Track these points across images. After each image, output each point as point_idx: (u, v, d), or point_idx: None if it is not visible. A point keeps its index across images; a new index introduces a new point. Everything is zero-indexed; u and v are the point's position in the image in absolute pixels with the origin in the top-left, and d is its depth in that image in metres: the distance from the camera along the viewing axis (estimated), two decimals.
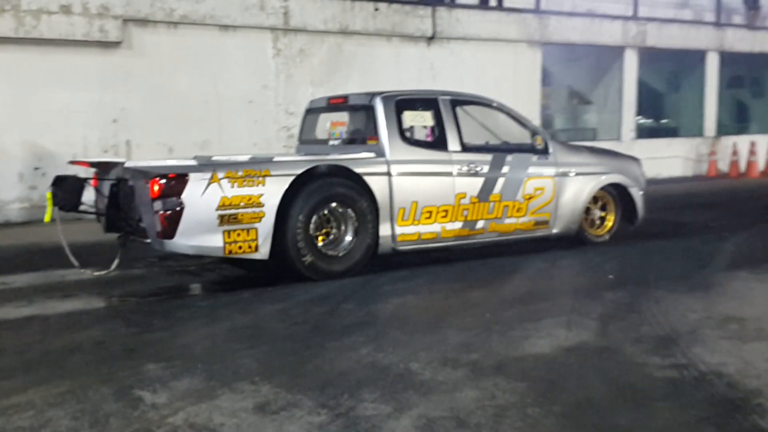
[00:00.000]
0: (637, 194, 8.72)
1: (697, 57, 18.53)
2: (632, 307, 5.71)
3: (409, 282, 6.69)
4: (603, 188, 8.49)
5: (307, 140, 8.43)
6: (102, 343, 4.93)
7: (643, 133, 18.10)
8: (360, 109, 7.72)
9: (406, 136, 7.32)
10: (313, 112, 8.39)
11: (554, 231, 8.19)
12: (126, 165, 5.97)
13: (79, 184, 6.77)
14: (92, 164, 7.43)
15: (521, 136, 8.24)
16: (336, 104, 8.00)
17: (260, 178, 6.40)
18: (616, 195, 8.63)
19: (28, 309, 5.89)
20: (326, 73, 13.69)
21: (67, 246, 6.74)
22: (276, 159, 6.73)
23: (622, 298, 5.95)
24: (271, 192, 6.44)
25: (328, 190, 6.75)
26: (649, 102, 18.65)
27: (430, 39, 14.63)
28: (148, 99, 12.08)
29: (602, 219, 8.68)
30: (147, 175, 6.13)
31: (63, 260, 6.96)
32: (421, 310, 5.72)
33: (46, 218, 6.71)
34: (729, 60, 18.94)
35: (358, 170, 6.92)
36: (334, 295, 6.21)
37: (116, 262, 6.88)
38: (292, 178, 6.54)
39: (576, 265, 7.44)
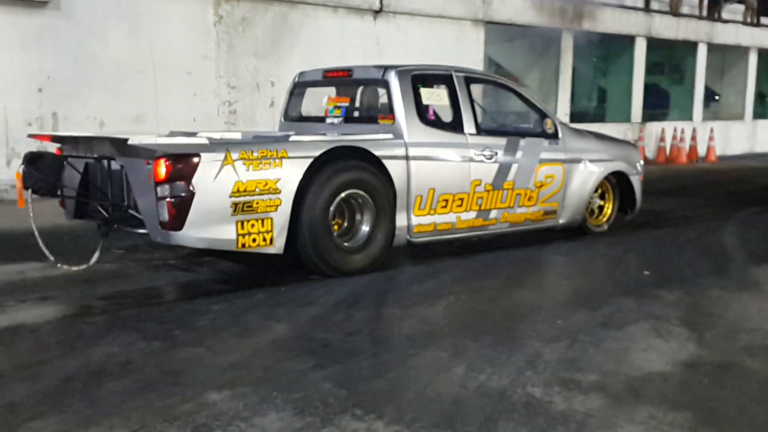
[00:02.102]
0: (637, 183, 8.29)
1: (627, 42, 18.51)
2: (703, 308, 5.25)
3: (436, 279, 6.00)
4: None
5: (293, 117, 7.53)
6: (130, 363, 3.99)
7: (575, 117, 17.93)
8: (369, 83, 6.90)
9: (423, 116, 6.56)
10: (302, 85, 7.49)
11: (561, 221, 7.65)
12: (130, 141, 4.95)
13: (57, 163, 5.69)
14: (55, 138, 6.30)
15: (528, 119, 7.64)
16: (335, 77, 7.14)
17: (277, 160, 5.53)
18: (614, 183, 8.16)
19: (1, 317, 4.82)
20: (270, 44, 12.69)
21: (40, 236, 5.62)
22: (292, 138, 5.83)
23: (684, 299, 5.46)
24: (289, 176, 5.59)
25: (347, 175, 5.93)
26: (581, 86, 18.52)
27: (377, 12, 13.86)
28: (77, 66, 10.77)
29: (600, 208, 8.19)
30: (150, 153, 5.15)
31: (27, 251, 5.90)
32: (479, 315, 5.02)
33: (20, 203, 5.59)
34: (654, 46, 19.02)
35: (377, 153, 6.13)
36: (363, 295, 5.45)
37: (96, 255, 5.85)
38: (310, 161, 5.69)
39: (597, 259, 6.93)
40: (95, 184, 5.79)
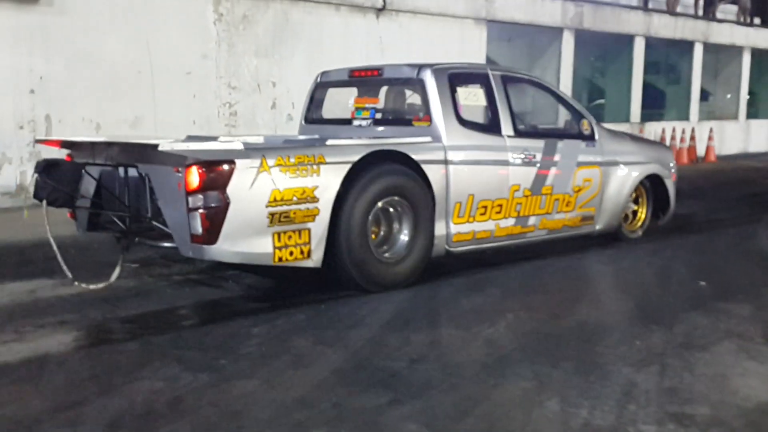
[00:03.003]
0: (671, 186, 7.91)
1: (626, 41, 18.20)
2: None
3: (482, 294, 5.56)
4: None
5: (315, 119, 7.05)
6: (180, 401, 3.51)
7: None
8: (401, 83, 6.45)
9: (461, 117, 6.11)
10: (324, 86, 7.01)
11: (597, 227, 7.24)
12: (161, 147, 4.46)
13: (75, 171, 5.17)
14: (65, 144, 5.78)
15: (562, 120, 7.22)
16: (363, 77, 6.67)
17: (315, 166, 5.07)
18: (648, 187, 7.76)
19: (21, 345, 4.33)
20: (271, 43, 12.19)
21: (58, 251, 5.11)
22: (330, 142, 5.37)
23: (758, 314, 5.06)
24: (327, 183, 5.13)
25: (386, 180, 5.49)
26: (581, 85, 18.18)
27: (380, 10, 13.40)
28: (71, 66, 10.19)
29: (634, 213, 7.80)
30: (180, 160, 4.67)
31: (33, 267, 5.43)
32: (548, 337, 4.58)
33: (26, 213, 5.09)
34: (652, 46, 18.73)
35: (416, 157, 5.68)
36: (412, 314, 5.01)
37: (117, 272, 5.36)
38: (348, 166, 5.24)
39: (644, 268, 6.52)
40: (114, 194, 5.29)
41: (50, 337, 4.48)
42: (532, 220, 6.56)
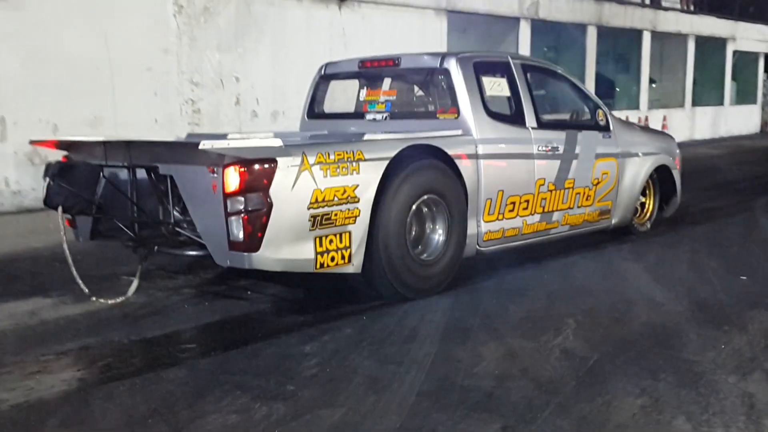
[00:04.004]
0: (677, 177, 7.71)
1: (579, 31, 18.17)
2: None
3: (526, 297, 5.22)
4: None
5: (320, 114, 6.58)
6: None
7: None
8: (422, 73, 6.04)
9: (489, 109, 5.75)
10: (329, 78, 6.54)
11: (613, 221, 6.99)
12: (202, 146, 3.95)
13: (93, 174, 4.61)
14: (61, 145, 5.19)
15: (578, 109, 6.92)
16: (377, 67, 6.22)
17: (354, 163, 4.64)
18: (655, 178, 7.54)
19: (51, 378, 3.78)
20: (234, 36, 11.61)
21: (72, 263, 4.55)
22: (367, 137, 4.93)
23: None
24: (367, 181, 4.72)
25: (423, 177, 5.09)
26: None
27: (342, 1, 12.95)
28: (26, 64, 9.43)
29: (642, 205, 7.57)
30: (215, 160, 4.18)
31: (20, 283, 4.85)
32: (624, 343, 4.26)
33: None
34: (603, 35, 18.76)
35: (451, 151, 5.30)
36: (466, 324, 4.63)
37: (135, 285, 4.83)
38: (386, 163, 4.82)
39: (673, 263, 6.27)
40: (130, 199, 4.75)
41: (78, 366, 3.94)
42: (555, 216, 6.25)
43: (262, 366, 3.91)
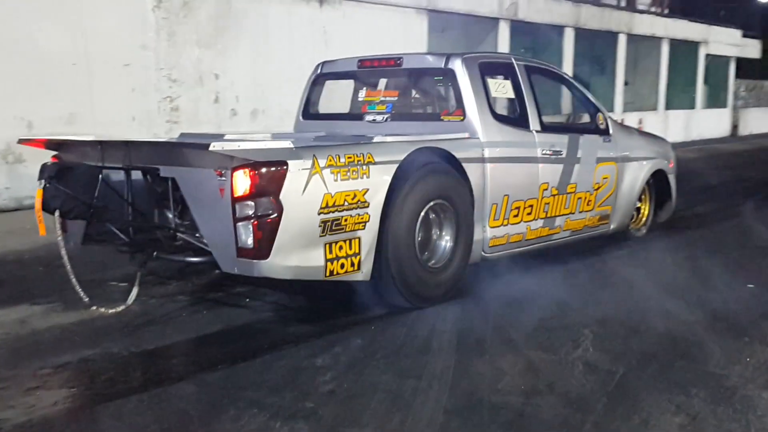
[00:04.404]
0: (673, 181, 7.63)
1: (557, 33, 18.14)
2: None
3: (537, 307, 5.02)
4: None
5: (316, 114, 6.38)
6: None
7: None
8: (426, 74, 5.86)
9: (494, 111, 5.59)
10: (326, 77, 6.34)
11: (612, 227, 6.88)
12: (212, 147, 3.74)
13: (92, 176, 4.35)
14: (49, 144, 4.92)
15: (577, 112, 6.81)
16: (377, 67, 6.03)
17: (364, 167, 4.45)
18: (651, 183, 7.45)
19: (51, 394, 3.55)
20: (214, 32, 11.34)
21: (71, 270, 4.30)
22: (377, 139, 4.74)
23: None
24: (376, 185, 4.53)
25: (432, 181, 4.92)
26: None
27: None
28: None
29: (637, 210, 7.47)
30: (223, 161, 3.96)
31: (7, 289, 4.54)
32: (646, 357, 4.12)
33: (42, 230, 4.25)
34: (580, 37, 18.75)
35: (459, 155, 5.13)
36: (479, 335, 4.47)
37: (134, 292, 4.58)
38: (395, 166, 4.64)
39: (675, 270, 6.12)
40: (128, 202, 4.52)
41: (79, 380, 3.70)
42: (558, 221, 6.12)
43: (274, 380, 3.70)
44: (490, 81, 5.63)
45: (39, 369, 3.81)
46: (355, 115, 6.08)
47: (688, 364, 3.96)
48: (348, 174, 4.36)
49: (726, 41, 24.52)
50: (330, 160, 4.27)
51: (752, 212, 9.08)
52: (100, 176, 4.35)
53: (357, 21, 13.25)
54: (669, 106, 22.38)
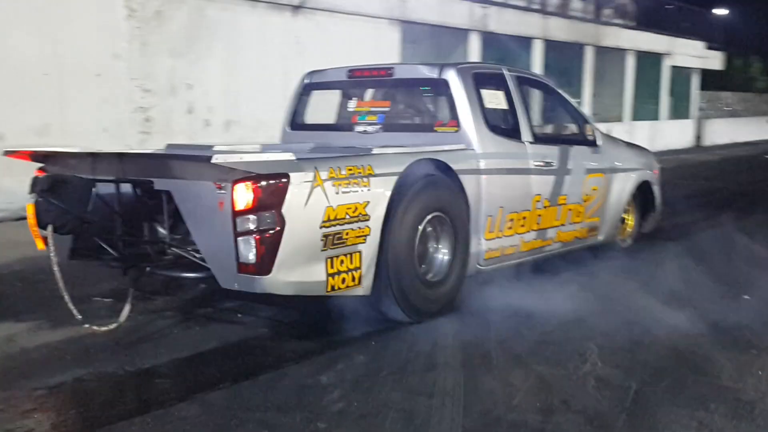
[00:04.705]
0: (658, 192, 7.64)
1: (526, 44, 18.22)
2: None
3: (537, 322, 4.93)
4: None
5: (304, 125, 6.25)
6: None
7: None
8: (418, 84, 5.77)
9: (489, 122, 5.52)
10: (314, 87, 6.22)
11: (600, 238, 6.85)
12: (215, 160, 3.61)
13: (86, 189, 4.18)
14: (36, 156, 4.73)
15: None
16: (368, 77, 5.93)
17: (365, 179, 4.34)
18: (636, 193, 7.43)
19: (47, 417, 3.36)
20: (187, 41, 11.15)
21: (64, 286, 4.11)
22: (376, 150, 4.64)
23: None
24: (377, 198, 4.43)
25: (430, 194, 4.83)
26: None
27: (296, 8, 12.61)
28: None
29: (622, 220, 7.45)
30: (223, 174, 3.82)
31: (4, 303, 4.38)
32: (657, 372, 4.06)
33: (39, 244, 4.07)
34: (548, 48, 18.86)
35: (456, 166, 5.05)
36: (482, 350, 4.37)
37: (127, 309, 4.41)
38: (395, 178, 4.54)
39: (669, 282, 5.95)
40: (122, 216, 4.35)
41: (77, 402, 3.54)
42: (550, 233, 6.07)
43: (280, 400, 3.56)
44: (484, 92, 5.56)
45: (33, 390, 3.63)
46: (344, 125, 5.97)
47: (701, 379, 3.90)
48: (349, 186, 4.25)
49: (690, 53, 24.88)
50: (331, 172, 4.16)
51: (731, 222, 9.13)
52: (93, 189, 4.17)
53: (330, 31, 13.15)
54: (634, 117, 22.61)
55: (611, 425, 3.32)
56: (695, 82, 26.19)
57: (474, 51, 16.55)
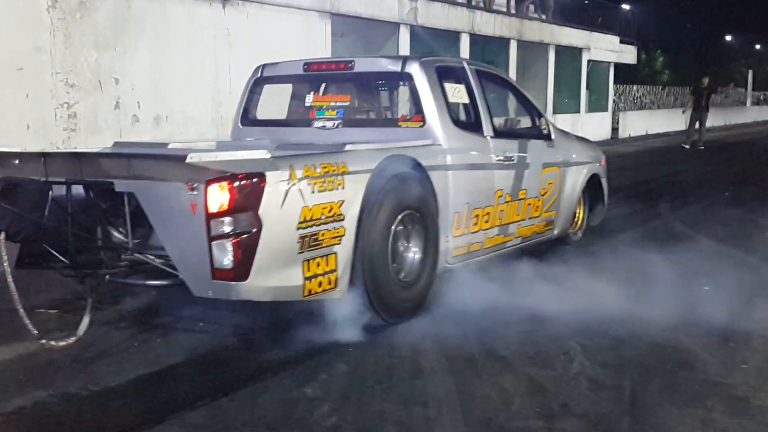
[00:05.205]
0: (605, 185, 7.66)
1: (453, 38, 18.22)
2: None
3: (513, 319, 4.83)
4: None
5: (256, 121, 5.98)
6: None
7: None
8: (380, 78, 5.58)
9: (453, 117, 5.39)
10: (267, 81, 5.95)
11: (555, 232, 6.81)
12: (189, 159, 3.35)
13: (41, 193, 3.83)
14: None
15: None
16: (326, 71, 5.70)
17: (339, 177, 4.14)
18: (585, 187, 7.43)
19: None
20: (113, 33, 10.64)
21: (19, 302, 3.76)
22: (349, 147, 4.43)
23: None
24: (351, 197, 4.24)
25: (403, 190, 4.66)
26: None
27: (226, 0, 12.21)
28: None
29: (574, 214, 7.43)
30: (195, 174, 3.56)
31: None
32: (649, 370, 3.99)
33: None
34: (475, 43, 18.92)
35: (425, 162, 4.89)
36: (465, 352, 4.24)
37: (86, 321, 4.10)
38: (368, 176, 4.35)
39: (629, 275, 5.95)
40: (79, 221, 4.02)
41: (43, 429, 3.21)
42: (511, 229, 5.98)
43: (268, 417, 3.34)
44: (447, 85, 5.41)
45: None
46: (301, 120, 5.73)
47: (691, 375, 3.86)
48: (324, 185, 4.04)
49: (606, 47, 25.37)
50: (307, 171, 3.94)
51: (669, 213, 9.29)
52: (51, 193, 3.84)
53: (261, 23, 12.81)
54: (556, 110, 22.90)
55: (617, 428, 3.22)
56: (611, 75, 26.73)
57: (404, 44, 16.42)
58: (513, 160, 5.90)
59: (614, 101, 28.98)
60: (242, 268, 3.63)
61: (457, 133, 5.33)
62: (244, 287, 3.69)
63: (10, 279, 3.74)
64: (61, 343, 3.96)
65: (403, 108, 5.52)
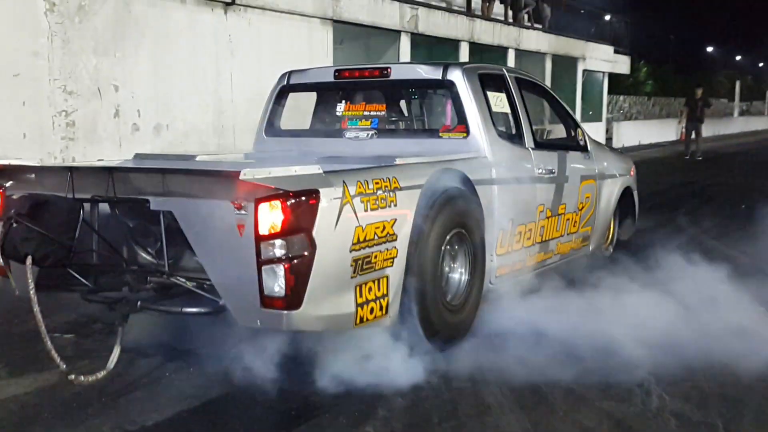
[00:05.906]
0: (636, 198, 7.35)
1: (453, 47, 17.94)
2: None
3: (566, 345, 4.48)
4: None
5: (281, 131, 5.61)
6: None
7: None
8: (419, 86, 5.23)
9: (497, 127, 5.05)
10: (293, 89, 5.58)
11: (590, 248, 6.48)
12: (243, 176, 2.99)
13: (73, 212, 3.44)
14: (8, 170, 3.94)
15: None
16: (358, 78, 5.32)
17: (391, 193, 3.79)
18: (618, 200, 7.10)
19: None
20: (112, 39, 10.22)
21: (47, 333, 3.37)
22: (399, 161, 4.08)
23: None
24: (403, 215, 3.88)
25: (453, 207, 4.30)
26: None
27: (228, 5, 11.84)
28: None
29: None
30: (245, 192, 3.19)
31: None
32: (734, 403, 3.65)
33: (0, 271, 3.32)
34: (474, 51, 18.66)
35: (473, 177, 4.54)
36: (532, 382, 3.85)
37: (116, 352, 3.69)
38: (419, 192, 4.00)
39: (681, 294, 5.69)
40: (106, 240, 3.64)
41: None
42: (551, 245, 5.65)
43: None
44: (490, 94, 5.07)
45: None
46: (331, 131, 5.37)
47: None
48: (377, 202, 3.68)
49: (600, 57, 25.21)
50: (359, 187, 3.58)
51: (692, 226, 9.00)
52: (82, 212, 3.45)
53: (263, 30, 12.44)
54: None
55: None
56: (605, 85, 26.58)
57: (405, 52, 16.11)
58: (553, 173, 5.57)
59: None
60: (295, 295, 3.27)
61: (501, 145, 5.00)
62: (297, 316, 3.32)
63: (36, 308, 3.35)
64: (90, 378, 3.56)
65: (445, 117, 5.17)
